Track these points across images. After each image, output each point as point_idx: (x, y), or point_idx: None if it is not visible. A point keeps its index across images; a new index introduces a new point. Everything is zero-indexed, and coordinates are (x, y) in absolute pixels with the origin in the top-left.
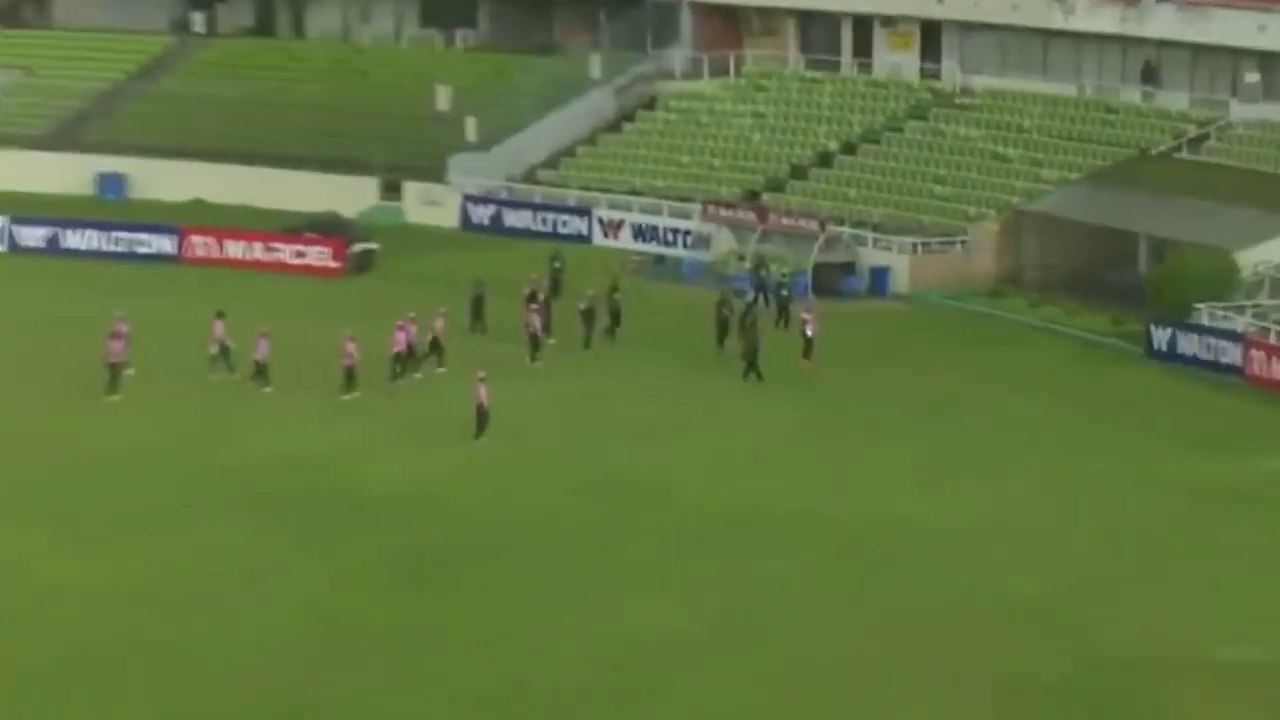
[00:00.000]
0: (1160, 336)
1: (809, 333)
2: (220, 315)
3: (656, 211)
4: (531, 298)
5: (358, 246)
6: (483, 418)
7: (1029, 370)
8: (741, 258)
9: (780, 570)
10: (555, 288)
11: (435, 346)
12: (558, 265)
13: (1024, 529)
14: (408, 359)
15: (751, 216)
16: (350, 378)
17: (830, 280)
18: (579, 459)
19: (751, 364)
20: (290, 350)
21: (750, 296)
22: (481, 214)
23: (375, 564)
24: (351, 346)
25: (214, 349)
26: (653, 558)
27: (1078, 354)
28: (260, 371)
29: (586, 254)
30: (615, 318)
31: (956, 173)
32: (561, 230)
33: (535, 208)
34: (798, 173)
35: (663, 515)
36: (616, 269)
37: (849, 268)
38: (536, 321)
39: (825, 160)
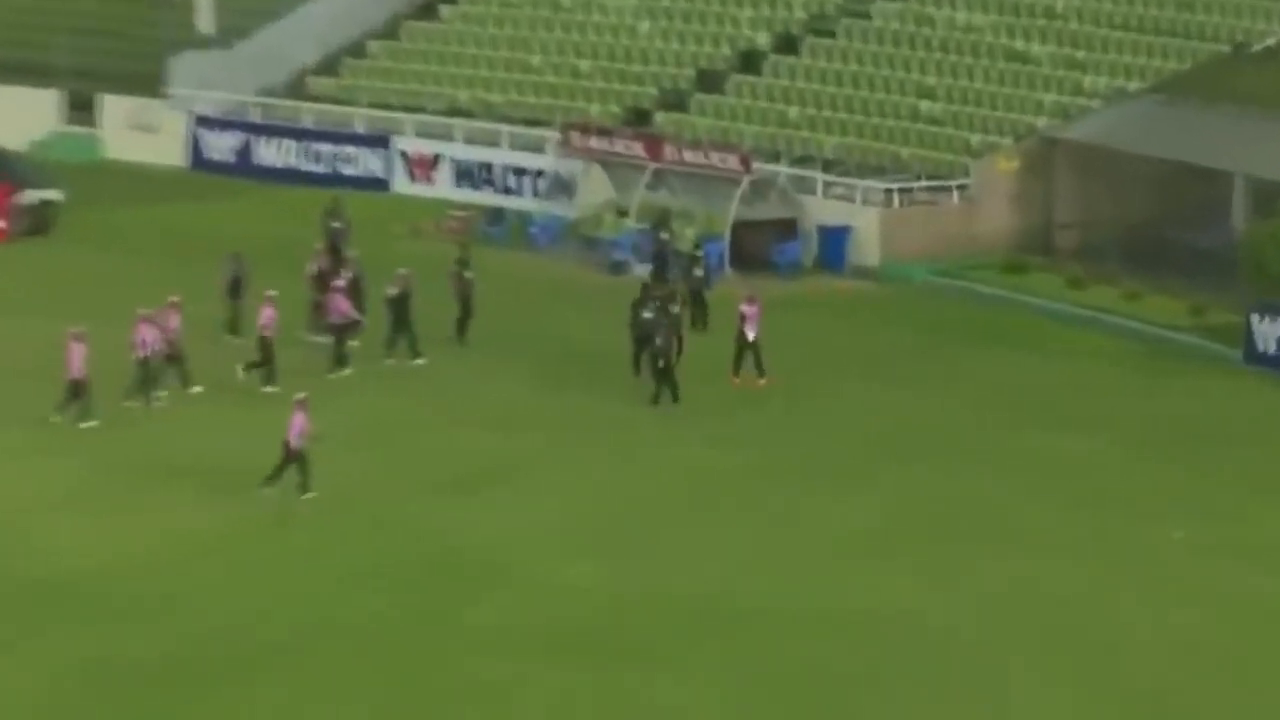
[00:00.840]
0: (1265, 331)
1: (750, 334)
2: None
3: (492, 141)
4: (322, 276)
5: (29, 195)
6: (293, 459)
7: (1065, 385)
8: (622, 213)
9: (684, 693)
10: (334, 258)
11: (263, 349)
12: (337, 225)
13: (1059, 629)
14: (173, 364)
15: (638, 149)
16: (78, 395)
17: (758, 247)
18: (380, 523)
19: (664, 375)
20: None
21: (646, 271)
22: (221, 145)
23: (50, 689)
24: (79, 350)
25: None
26: (487, 674)
27: (1139, 359)
28: None
29: (383, 206)
30: (465, 308)
31: (953, 81)
32: (344, 171)
33: (304, 136)
34: (708, 82)
35: (503, 608)
36: (430, 228)
37: (787, 228)
38: (345, 309)
39: (750, 63)
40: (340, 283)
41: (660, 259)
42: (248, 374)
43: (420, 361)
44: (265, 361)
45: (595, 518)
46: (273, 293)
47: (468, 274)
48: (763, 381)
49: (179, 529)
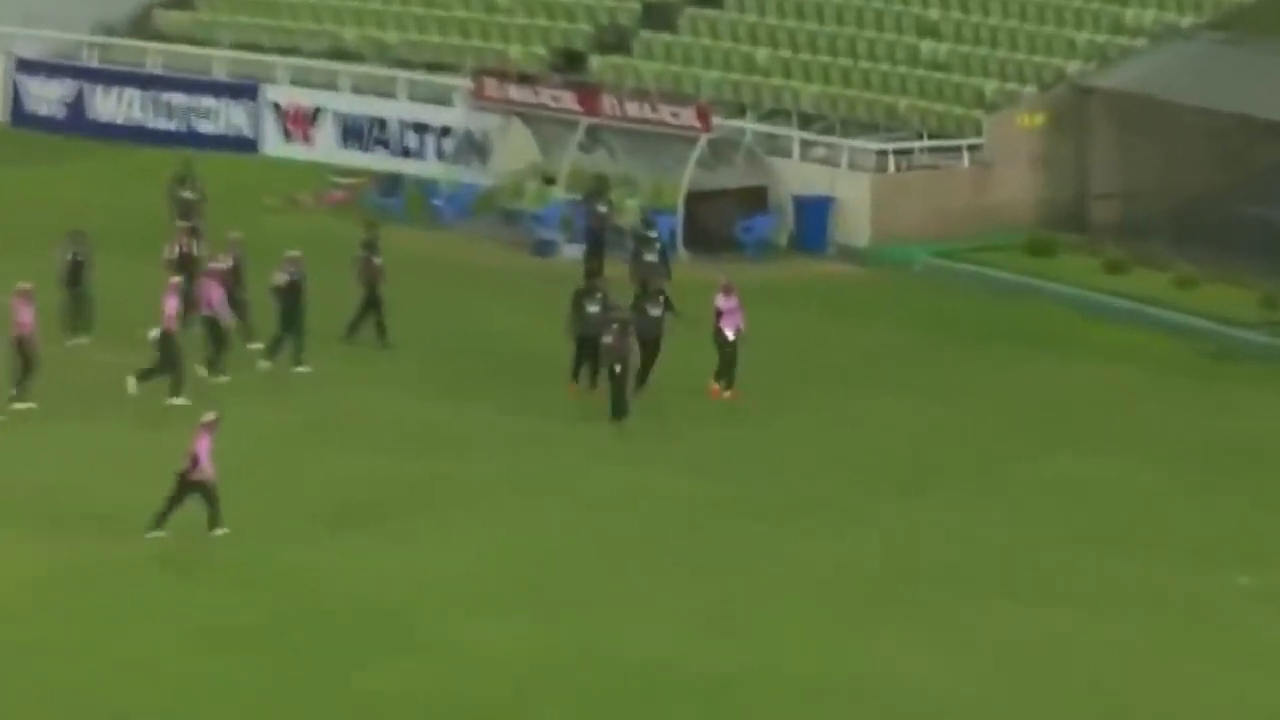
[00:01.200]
0: None
1: (729, 333)
2: None
3: (386, 92)
4: (184, 261)
5: None
6: (203, 492)
7: (1102, 396)
8: (549, 180)
9: None
10: (196, 239)
11: (164, 349)
12: (188, 195)
13: (1095, 698)
14: (21, 367)
15: (569, 101)
16: None
17: (719, 223)
18: (253, 568)
19: (617, 385)
20: None
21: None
22: (47, 95)
23: None
24: None
25: None
26: None
27: (1195, 363)
28: None
29: (250, 172)
30: (373, 301)
31: (962, 16)
32: (202, 127)
33: (151, 84)
34: (656, 16)
35: (403, 674)
36: (309, 199)
37: (755, 199)
38: (217, 301)
39: None
40: (219, 266)
41: (595, 238)
42: (141, 384)
43: (304, 369)
44: (167, 365)
45: (520, 563)
46: (177, 279)
47: (377, 260)
48: (729, 394)
49: (5, 576)
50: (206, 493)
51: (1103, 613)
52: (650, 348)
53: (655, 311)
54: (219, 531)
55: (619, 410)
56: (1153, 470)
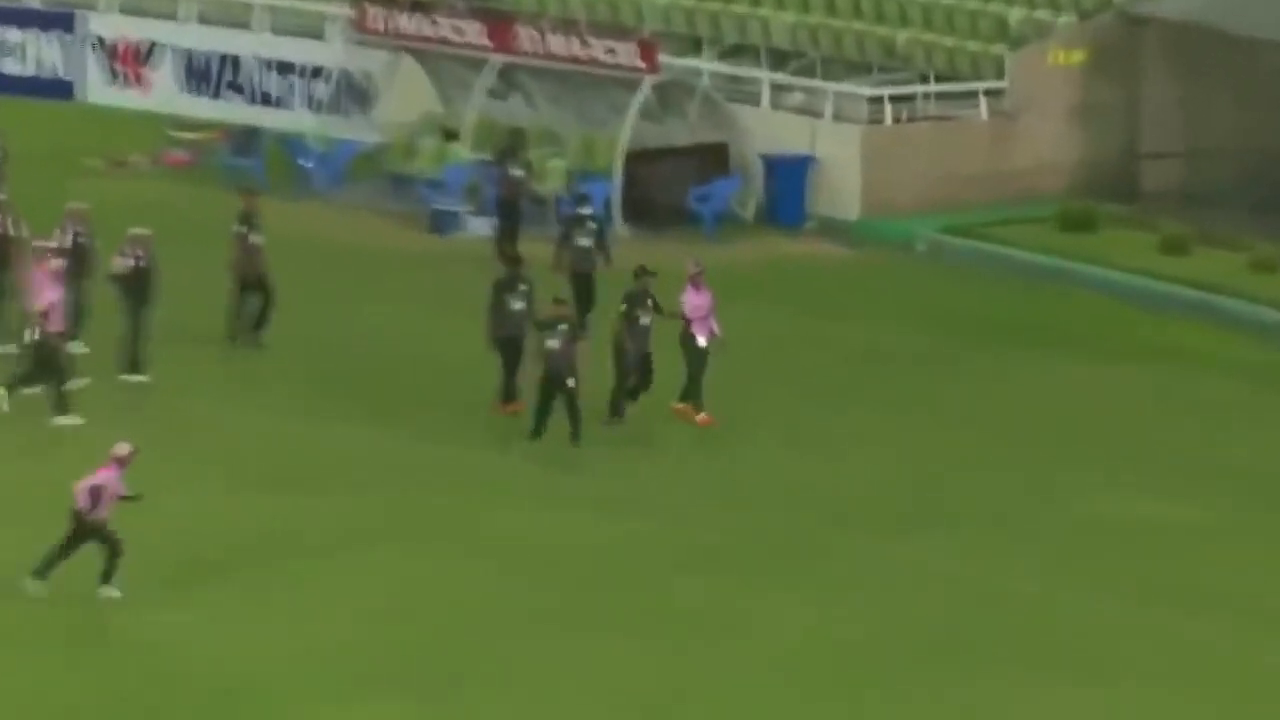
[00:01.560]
0: None
1: (701, 339)
2: None
3: (240, 22)
4: (2, 244)
5: None
6: (97, 533)
7: (1156, 412)
8: (451, 135)
9: None
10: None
11: (39, 352)
12: None
13: None
14: None
15: (475, 35)
16: None
17: (668, 190)
18: (75, 634)
19: (572, 405)
20: None
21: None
22: None
23: None
24: None
25: None
26: None
27: (1276, 368)
28: None
29: (68, 124)
30: (265, 288)
31: None
32: (3, 68)
33: None
34: None
35: None
36: (143, 159)
37: (713, 160)
38: (52, 303)
39: None
40: (49, 244)
41: (510, 210)
42: (13, 394)
43: (142, 379)
44: (50, 373)
45: (409, 629)
46: (58, 263)
47: (256, 238)
48: (702, 417)
49: None
50: (70, 543)
51: (1166, 687)
52: (647, 363)
53: (646, 320)
54: (34, 585)
55: (576, 432)
56: (1221, 508)
